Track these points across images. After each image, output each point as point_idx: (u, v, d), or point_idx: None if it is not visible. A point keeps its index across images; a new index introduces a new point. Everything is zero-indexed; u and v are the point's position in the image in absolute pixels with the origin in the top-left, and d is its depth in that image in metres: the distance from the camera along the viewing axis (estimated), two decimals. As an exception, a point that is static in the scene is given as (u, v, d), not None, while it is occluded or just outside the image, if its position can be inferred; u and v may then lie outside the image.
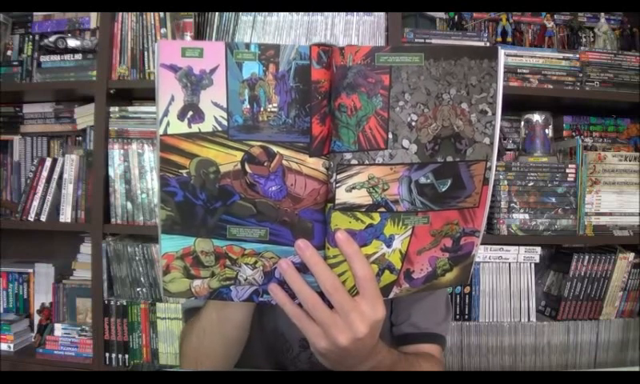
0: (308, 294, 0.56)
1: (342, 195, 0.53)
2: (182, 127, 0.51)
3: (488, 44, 1.65)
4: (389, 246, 0.56)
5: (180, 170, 0.52)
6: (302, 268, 0.56)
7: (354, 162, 0.52)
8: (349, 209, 0.54)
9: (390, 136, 0.52)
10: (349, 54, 0.49)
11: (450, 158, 0.54)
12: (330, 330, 0.56)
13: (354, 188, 0.53)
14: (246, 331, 0.78)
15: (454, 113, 0.53)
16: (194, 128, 0.51)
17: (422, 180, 0.54)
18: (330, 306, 0.56)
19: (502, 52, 0.53)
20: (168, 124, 0.51)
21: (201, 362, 0.78)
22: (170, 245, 0.55)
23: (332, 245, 0.55)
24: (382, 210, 0.54)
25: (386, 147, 0.52)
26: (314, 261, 0.55)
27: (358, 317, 0.55)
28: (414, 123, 0.52)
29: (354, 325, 0.55)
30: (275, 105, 0.51)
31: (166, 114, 0.51)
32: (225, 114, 0.51)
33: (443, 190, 0.55)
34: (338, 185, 0.52)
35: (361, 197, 0.53)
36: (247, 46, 0.50)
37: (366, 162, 0.52)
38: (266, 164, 0.52)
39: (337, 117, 0.51)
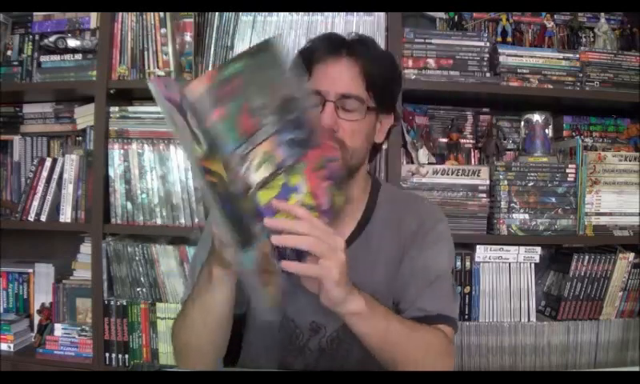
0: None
1: (254, 177, 0.67)
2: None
3: (488, 44, 1.65)
4: (301, 192, 0.71)
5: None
6: (297, 256, 0.71)
7: (247, 150, 0.66)
8: (263, 184, 0.68)
9: (258, 120, 0.66)
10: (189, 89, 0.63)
11: (296, 113, 0.70)
12: (328, 238, 0.71)
13: (258, 168, 0.67)
14: (229, 322, 0.85)
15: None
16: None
17: (290, 136, 0.69)
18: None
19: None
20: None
21: (192, 360, 0.87)
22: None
23: (272, 214, 0.69)
24: (281, 171, 0.69)
25: (260, 128, 0.67)
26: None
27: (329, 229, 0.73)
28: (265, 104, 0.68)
29: (332, 233, 0.73)
30: None
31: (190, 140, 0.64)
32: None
33: (304, 137, 0.71)
34: (247, 172, 0.66)
35: (265, 170, 0.68)
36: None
37: (253, 145, 0.66)
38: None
39: (218, 129, 0.63)
